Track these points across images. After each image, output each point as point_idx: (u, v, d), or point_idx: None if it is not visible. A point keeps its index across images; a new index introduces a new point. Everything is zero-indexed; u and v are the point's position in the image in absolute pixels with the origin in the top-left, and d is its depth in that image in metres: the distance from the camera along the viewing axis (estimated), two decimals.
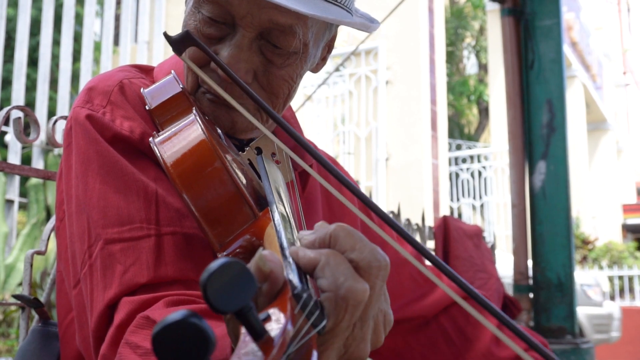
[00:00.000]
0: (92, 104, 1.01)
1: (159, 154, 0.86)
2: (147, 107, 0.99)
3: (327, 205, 1.25)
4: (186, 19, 1.02)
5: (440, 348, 1.31)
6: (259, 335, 0.51)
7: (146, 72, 1.13)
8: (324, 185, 0.80)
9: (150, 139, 0.90)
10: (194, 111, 0.91)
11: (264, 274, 0.59)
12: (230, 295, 0.50)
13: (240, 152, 1.03)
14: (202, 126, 0.87)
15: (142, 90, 1.02)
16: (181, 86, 1.01)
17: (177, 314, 0.45)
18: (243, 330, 0.52)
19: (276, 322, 0.54)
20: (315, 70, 1.13)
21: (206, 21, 0.99)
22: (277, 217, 0.76)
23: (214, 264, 0.50)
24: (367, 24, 1.07)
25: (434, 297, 1.32)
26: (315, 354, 0.55)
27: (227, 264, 0.50)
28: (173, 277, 0.89)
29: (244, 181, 0.87)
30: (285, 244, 0.67)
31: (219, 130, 1.01)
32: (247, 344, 0.52)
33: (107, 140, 0.97)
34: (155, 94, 1.01)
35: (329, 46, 1.13)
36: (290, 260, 0.62)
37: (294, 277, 0.59)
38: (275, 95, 1.03)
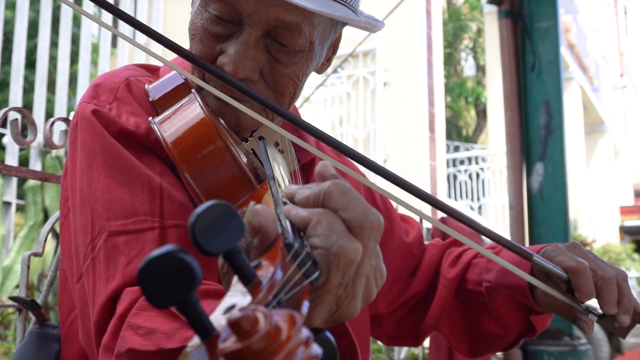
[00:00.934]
0: (98, 99, 1.02)
1: (159, 133, 0.87)
2: (150, 99, 1.01)
3: None
4: (193, 18, 1.03)
5: (429, 294, 1.35)
6: (249, 279, 0.52)
7: (152, 71, 1.15)
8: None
9: (150, 118, 0.90)
10: (193, 92, 0.92)
11: (254, 227, 0.60)
12: (218, 237, 0.50)
13: (243, 142, 1.05)
14: (201, 103, 0.87)
15: (146, 86, 1.04)
16: (184, 78, 1.02)
17: (164, 247, 0.44)
18: (235, 277, 0.53)
19: (266, 269, 0.54)
20: (320, 70, 1.14)
21: (213, 19, 0.99)
22: (274, 185, 0.76)
23: (201, 207, 0.50)
24: (373, 23, 1.08)
25: (423, 266, 1.35)
26: (306, 304, 0.55)
27: (213, 205, 0.50)
28: None
29: (244, 160, 0.88)
30: (280, 201, 0.68)
31: (222, 121, 1.02)
32: (237, 287, 0.52)
33: (113, 135, 0.98)
34: (159, 87, 1.03)
35: (334, 47, 1.14)
36: (283, 216, 0.63)
37: (286, 230, 0.59)
38: (281, 94, 1.04)
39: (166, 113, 0.91)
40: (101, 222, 0.92)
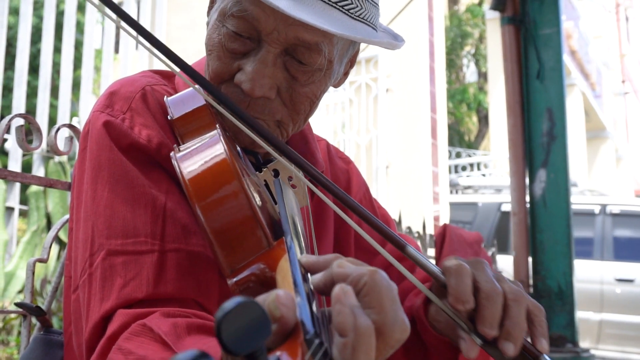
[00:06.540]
0: (112, 109, 1.00)
1: (179, 171, 0.83)
2: (169, 117, 0.98)
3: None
4: (210, 33, 1.01)
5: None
6: None
7: (168, 78, 1.12)
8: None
9: (172, 153, 0.87)
10: (218, 128, 0.88)
11: (274, 317, 0.58)
12: (243, 338, 0.48)
13: (257, 172, 1.02)
14: (225, 146, 0.84)
15: (165, 98, 1.01)
16: (205, 99, 0.98)
17: (187, 354, 0.44)
18: None
19: None
20: (337, 85, 1.12)
21: (231, 35, 0.97)
22: (292, 250, 0.73)
23: (230, 303, 0.49)
24: (393, 43, 1.05)
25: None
26: None
27: (244, 304, 0.49)
28: (171, 295, 0.88)
29: (260, 205, 0.85)
30: (300, 283, 0.64)
31: (238, 148, 0.99)
32: None
33: (123, 148, 0.96)
34: (178, 104, 0.99)
35: (352, 61, 1.11)
36: (305, 301, 0.60)
37: (307, 320, 0.57)
38: (296, 112, 1.02)
39: (189, 150, 0.87)
40: (101, 239, 0.92)
